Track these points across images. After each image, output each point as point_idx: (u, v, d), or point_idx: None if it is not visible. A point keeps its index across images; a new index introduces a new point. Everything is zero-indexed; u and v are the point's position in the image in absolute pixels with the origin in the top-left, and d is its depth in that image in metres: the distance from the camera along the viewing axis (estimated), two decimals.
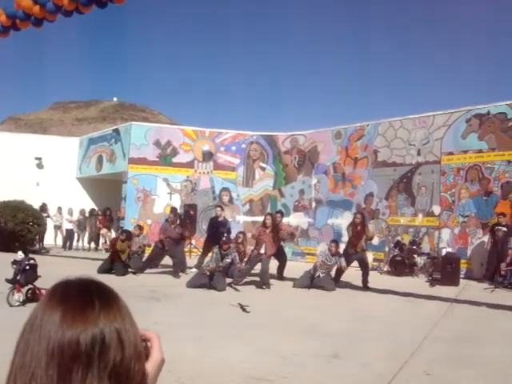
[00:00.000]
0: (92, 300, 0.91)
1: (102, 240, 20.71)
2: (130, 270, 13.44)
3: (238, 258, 12.03)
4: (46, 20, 6.73)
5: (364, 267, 12.58)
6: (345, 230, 16.33)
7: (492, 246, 13.89)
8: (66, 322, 0.87)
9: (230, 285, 11.69)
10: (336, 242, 12.79)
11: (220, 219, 14.48)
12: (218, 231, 13.78)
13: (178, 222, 14.09)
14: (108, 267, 13.16)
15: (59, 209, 21.32)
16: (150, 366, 0.99)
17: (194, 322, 7.79)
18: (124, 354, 0.89)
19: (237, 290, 11.21)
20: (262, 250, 12.23)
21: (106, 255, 14.80)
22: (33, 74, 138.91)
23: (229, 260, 11.75)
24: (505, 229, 13.71)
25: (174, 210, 14.58)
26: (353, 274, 12.73)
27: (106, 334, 0.88)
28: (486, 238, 14.45)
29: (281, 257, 13.61)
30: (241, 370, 5.43)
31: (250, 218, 20.36)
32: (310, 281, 12.01)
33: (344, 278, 12.67)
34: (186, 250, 17.01)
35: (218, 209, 14.92)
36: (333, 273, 12.37)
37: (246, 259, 13.04)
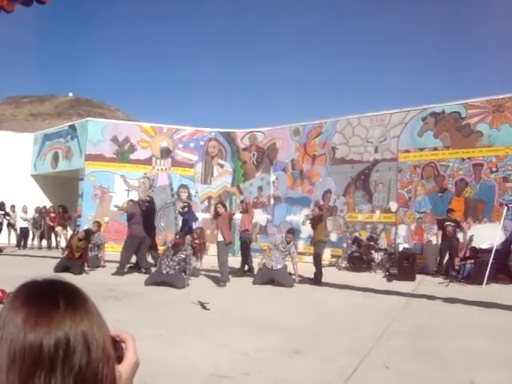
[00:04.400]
0: (57, 301, 0.87)
1: (58, 238, 20.33)
2: (85, 268, 13.21)
3: (191, 254, 12.00)
4: (3, 9, 6.50)
5: (314, 263, 12.74)
6: (302, 226, 16.54)
7: (442, 242, 14.24)
8: (28, 325, 0.83)
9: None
10: (292, 231, 13.11)
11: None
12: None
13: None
14: (65, 265, 12.89)
15: (13, 207, 20.75)
16: (123, 368, 0.97)
17: (154, 320, 7.72)
18: (90, 357, 0.85)
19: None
20: (221, 238, 12.20)
21: (61, 253, 14.54)
22: None
23: (183, 255, 11.69)
24: (453, 224, 14.08)
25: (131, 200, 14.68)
26: (311, 269, 12.80)
27: (70, 337, 0.84)
28: (438, 234, 14.77)
29: (243, 251, 13.87)
30: (202, 367, 5.41)
31: (208, 215, 20.28)
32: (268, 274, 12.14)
33: (303, 273, 12.77)
34: None
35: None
36: (290, 267, 12.42)
37: (202, 254, 13.33)
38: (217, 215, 12.39)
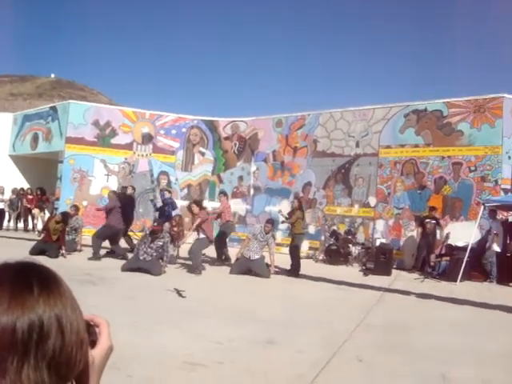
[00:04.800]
0: (31, 284, 0.85)
1: (35, 221, 20.14)
2: (62, 252, 13.11)
3: (169, 242, 11.99)
4: None
5: (291, 254, 12.80)
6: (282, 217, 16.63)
7: (422, 238, 14.36)
8: (1, 308, 0.81)
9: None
10: (272, 221, 13.05)
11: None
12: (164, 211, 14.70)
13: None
14: (41, 248, 12.78)
15: None
16: (97, 352, 0.95)
17: (130, 307, 7.70)
18: (64, 341, 0.84)
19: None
20: (202, 235, 12.23)
21: (38, 236, 14.40)
22: None
23: (160, 243, 11.67)
24: (434, 221, 14.20)
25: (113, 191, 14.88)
26: (288, 261, 12.83)
27: (44, 321, 0.82)
28: (416, 230, 14.91)
29: (219, 242, 13.88)
30: (176, 355, 5.41)
31: (187, 203, 20.20)
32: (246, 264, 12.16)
33: (280, 264, 12.80)
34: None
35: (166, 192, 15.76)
36: (267, 258, 12.41)
37: (181, 241, 13.32)
38: (192, 214, 12.44)
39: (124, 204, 14.06)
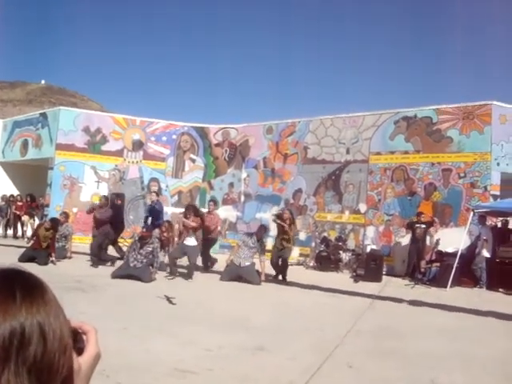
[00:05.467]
0: (14, 291, 0.85)
1: (24, 228, 20.03)
2: (52, 259, 13.05)
3: (158, 247, 11.99)
4: None
5: (282, 266, 12.84)
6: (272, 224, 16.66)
7: (411, 244, 14.39)
8: None
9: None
10: (265, 227, 13.05)
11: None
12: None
13: (109, 206, 14.11)
14: (30, 255, 12.71)
15: None
16: (84, 359, 0.95)
17: (119, 314, 7.67)
18: (46, 348, 0.83)
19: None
20: (195, 242, 12.31)
21: (27, 243, 14.33)
22: None
23: (149, 248, 11.66)
24: (424, 226, 14.24)
25: (105, 196, 14.79)
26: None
27: (26, 328, 0.82)
28: (407, 237, 14.95)
29: (206, 249, 13.89)
30: (166, 362, 5.40)
31: (178, 210, 20.17)
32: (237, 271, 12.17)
33: (270, 271, 12.79)
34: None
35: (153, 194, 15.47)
36: (257, 265, 12.39)
37: (170, 246, 13.37)
38: (193, 216, 12.52)
39: (114, 213, 14.14)
